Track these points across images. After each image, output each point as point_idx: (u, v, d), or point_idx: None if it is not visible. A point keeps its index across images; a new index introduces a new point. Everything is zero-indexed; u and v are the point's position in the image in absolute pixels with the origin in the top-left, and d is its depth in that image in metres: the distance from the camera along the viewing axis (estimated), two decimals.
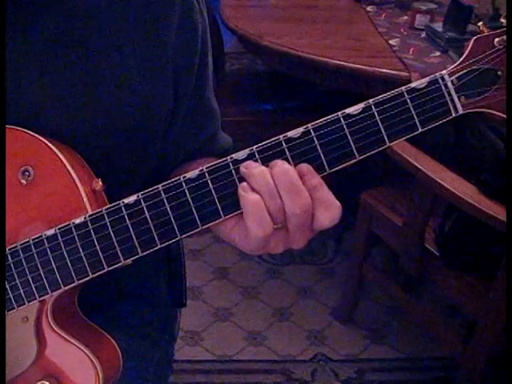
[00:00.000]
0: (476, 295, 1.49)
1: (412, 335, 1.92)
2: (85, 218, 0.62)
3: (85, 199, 0.64)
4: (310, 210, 0.58)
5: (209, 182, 0.60)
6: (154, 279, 0.95)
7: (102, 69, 0.70)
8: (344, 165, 0.59)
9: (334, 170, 0.60)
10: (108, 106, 0.70)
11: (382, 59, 1.80)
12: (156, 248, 0.62)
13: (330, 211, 0.59)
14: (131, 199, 0.61)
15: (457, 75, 0.58)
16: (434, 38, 1.91)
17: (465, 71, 0.58)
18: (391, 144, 0.59)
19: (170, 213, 0.60)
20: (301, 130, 0.59)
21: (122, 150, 0.73)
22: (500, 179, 1.35)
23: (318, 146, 0.59)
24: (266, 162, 0.59)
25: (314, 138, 0.59)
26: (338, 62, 1.75)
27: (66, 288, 0.64)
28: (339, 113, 0.59)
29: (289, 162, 0.59)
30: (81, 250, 0.62)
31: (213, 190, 0.60)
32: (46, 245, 0.63)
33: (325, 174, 0.60)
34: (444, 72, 0.58)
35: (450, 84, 0.58)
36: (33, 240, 0.64)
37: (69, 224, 0.62)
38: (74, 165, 0.65)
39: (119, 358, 0.69)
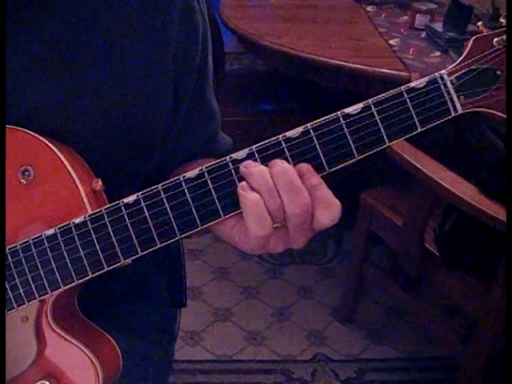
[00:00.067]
0: (476, 295, 1.49)
1: (412, 335, 1.92)
2: (84, 217, 0.62)
3: (85, 199, 0.64)
4: (309, 210, 0.58)
5: (208, 181, 0.60)
6: (154, 279, 0.95)
7: (102, 69, 0.70)
8: (343, 164, 0.59)
9: (333, 169, 0.60)
10: (108, 107, 0.70)
11: (382, 59, 1.80)
12: (156, 248, 0.62)
13: (329, 210, 0.59)
14: (131, 199, 0.61)
15: (456, 75, 0.58)
16: (433, 38, 1.91)
17: (464, 71, 0.58)
18: (391, 144, 0.59)
19: (169, 212, 0.60)
20: (300, 129, 0.59)
21: (121, 149, 0.73)
22: (500, 179, 1.35)
23: (318, 146, 0.59)
24: (265, 161, 0.59)
25: (314, 138, 0.59)
26: (338, 62, 1.76)
27: (66, 288, 0.64)
28: (338, 112, 0.59)
29: (288, 162, 0.59)
30: (80, 250, 0.62)
31: (212, 190, 0.60)
32: (46, 244, 0.63)
33: (324, 173, 0.60)
34: (443, 72, 0.59)
35: (449, 84, 0.58)
36: (32, 240, 0.64)
37: (68, 224, 0.63)
38: (74, 165, 0.65)
39: (119, 358, 0.69)
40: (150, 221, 0.61)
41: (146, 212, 0.61)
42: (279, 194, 0.58)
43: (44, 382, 0.65)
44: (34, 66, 0.68)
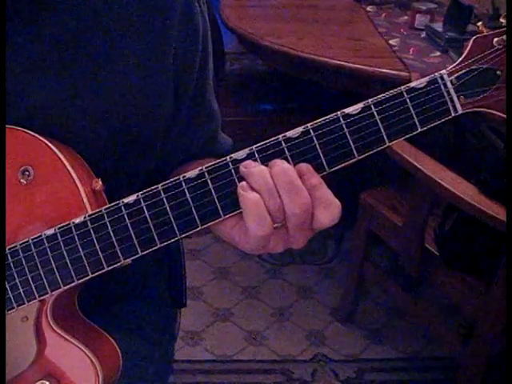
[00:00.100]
0: (476, 295, 1.49)
1: (412, 335, 1.92)
2: (84, 217, 0.62)
3: (85, 199, 0.64)
4: (309, 210, 0.58)
5: (208, 181, 0.60)
6: (154, 279, 0.95)
7: (102, 69, 0.70)
8: (343, 164, 0.59)
9: (333, 169, 0.60)
10: (108, 107, 0.70)
11: (382, 59, 1.80)
12: (156, 247, 0.62)
13: (329, 210, 0.59)
14: (131, 199, 0.61)
15: (456, 75, 0.58)
16: (433, 38, 1.91)
17: (464, 71, 0.58)
18: (391, 144, 0.59)
19: (169, 212, 0.60)
20: (300, 129, 0.59)
21: (122, 149, 0.73)
22: (500, 179, 1.35)
23: (318, 146, 0.59)
24: (265, 161, 0.59)
25: (314, 138, 0.59)
26: (338, 62, 1.76)
27: (66, 287, 0.64)
28: (338, 112, 0.59)
29: (288, 162, 0.59)
30: (80, 250, 0.62)
31: (212, 190, 0.60)
32: (46, 244, 0.63)
33: (324, 173, 0.60)
34: (443, 72, 0.59)
35: (449, 84, 0.58)
36: (32, 240, 0.64)
37: (68, 224, 0.63)
38: (74, 165, 0.65)
39: (119, 358, 0.69)
40: (149, 221, 0.61)
41: (145, 212, 0.61)
42: (279, 193, 0.58)
43: (44, 381, 0.65)
44: (34, 66, 0.68)
